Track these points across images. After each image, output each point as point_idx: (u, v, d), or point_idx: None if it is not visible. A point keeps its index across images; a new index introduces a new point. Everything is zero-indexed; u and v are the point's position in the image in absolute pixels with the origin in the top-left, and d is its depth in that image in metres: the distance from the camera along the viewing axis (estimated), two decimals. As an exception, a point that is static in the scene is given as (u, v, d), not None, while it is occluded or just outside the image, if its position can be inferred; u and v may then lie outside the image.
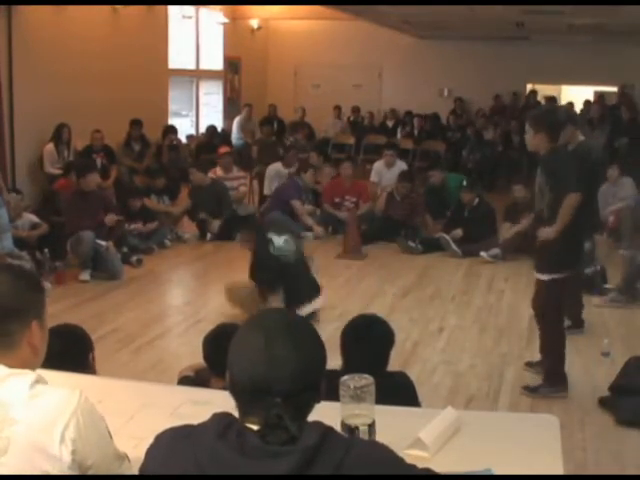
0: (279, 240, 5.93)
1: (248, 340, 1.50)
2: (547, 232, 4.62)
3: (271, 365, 1.44)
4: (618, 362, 4.99)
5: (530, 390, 4.78)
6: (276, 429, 1.41)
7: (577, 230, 4.60)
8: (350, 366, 2.85)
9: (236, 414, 1.49)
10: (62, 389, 1.67)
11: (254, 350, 1.46)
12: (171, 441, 1.50)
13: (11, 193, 7.68)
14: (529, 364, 5.18)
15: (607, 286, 6.91)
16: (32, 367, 1.74)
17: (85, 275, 7.23)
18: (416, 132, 14.39)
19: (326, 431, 1.44)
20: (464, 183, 9.32)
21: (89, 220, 7.39)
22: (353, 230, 8.61)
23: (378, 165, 10.29)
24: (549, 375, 4.80)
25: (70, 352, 3.06)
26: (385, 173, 10.06)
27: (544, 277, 4.70)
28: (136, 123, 10.45)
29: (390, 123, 15.08)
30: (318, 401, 1.51)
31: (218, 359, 2.92)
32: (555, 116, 4.96)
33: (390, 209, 9.34)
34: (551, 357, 4.83)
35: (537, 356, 5.15)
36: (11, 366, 1.66)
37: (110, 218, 7.68)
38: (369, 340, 3.10)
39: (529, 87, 16.09)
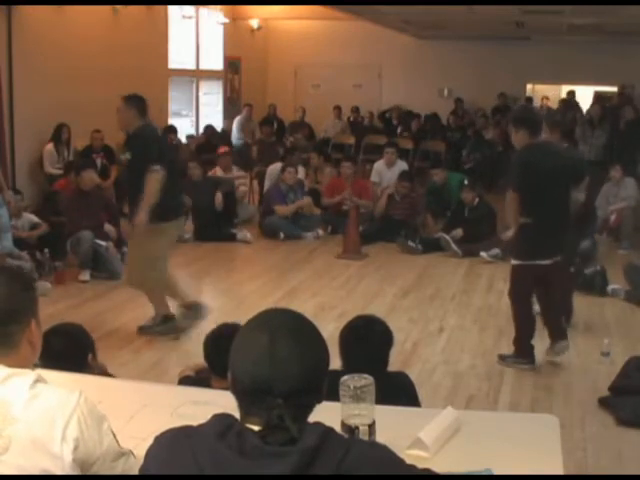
0: None
1: (251, 339, 1.49)
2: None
3: (274, 365, 1.44)
4: (618, 362, 4.99)
5: (501, 358, 5.34)
6: (277, 430, 1.41)
7: (535, 224, 4.96)
8: (349, 367, 2.85)
9: (237, 414, 1.49)
10: (62, 389, 1.68)
11: (257, 350, 1.46)
12: (171, 442, 1.50)
13: (8, 191, 7.67)
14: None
15: (614, 287, 6.93)
16: (30, 364, 1.77)
17: (85, 275, 7.22)
18: (414, 132, 14.37)
19: (326, 432, 1.44)
20: (465, 182, 9.32)
21: (89, 220, 7.39)
22: (353, 230, 8.61)
23: (378, 165, 10.27)
24: (516, 347, 5.27)
25: (70, 351, 3.07)
26: (386, 173, 10.04)
27: (511, 261, 5.32)
28: (136, 123, 10.43)
29: (395, 121, 15.04)
30: (320, 402, 1.51)
31: (219, 359, 2.93)
32: (532, 113, 5.51)
33: (390, 209, 9.34)
34: (518, 333, 5.26)
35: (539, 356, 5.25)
36: (11, 365, 1.68)
37: (109, 229, 7.68)
38: (368, 341, 3.09)
39: (529, 87, 16.11)
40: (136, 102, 5.68)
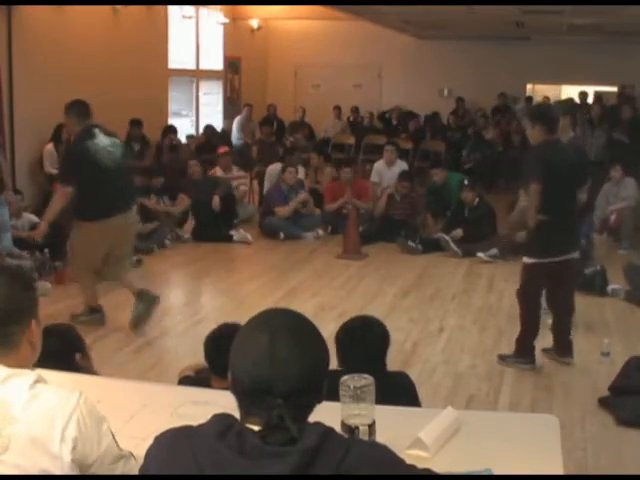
0: (105, 139, 5.71)
1: (251, 339, 1.50)
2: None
3: (274, 365, 1.44)
4: (618, 362, 4.99)
5: (501, 358, 5.33)
6: (277, 430, 1.41)
7: (550, 221, 4.91)
8: (346, 369, 2.84)
9: (237, 414, 1.49)
10: (62, 389, 1.68)
11: (257, 350, 1.46)
12: (171, 442, 1.50)
13: (8, 191, 7.67)
14: (545, 350, 5.39)
15: (614, 287, 6.94)
16: (30, 364, 1.77)
17: (85, 275, 7.22)
18: (411, 132, 14.36)
19: (326, 432, 1.44)
20: (465, 182, 9.32)
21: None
22: (353, 230, 8.61)
23: (378, 165, 10.26)
24: (518, 346, 5.25)
25: (60, 351, 3.06)
26: (386, 172, 10.02)
27: (523, 260, 5.23)
28: (136, 123, 10.44)
29: (395, 122, 15.04)
30: (320, 402, 1.51)
31: (219, 359, 2.93)
32: (549, 109, 5.44)
33: (390, 209, 9.34)
34: (522, 332, 5.24)
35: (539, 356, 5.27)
36: (11, 365, 1.68)
37: None
38: (364, 343, 3.08)
39: (529, 87, 16.11)
40: (75, 109, 5.72)
